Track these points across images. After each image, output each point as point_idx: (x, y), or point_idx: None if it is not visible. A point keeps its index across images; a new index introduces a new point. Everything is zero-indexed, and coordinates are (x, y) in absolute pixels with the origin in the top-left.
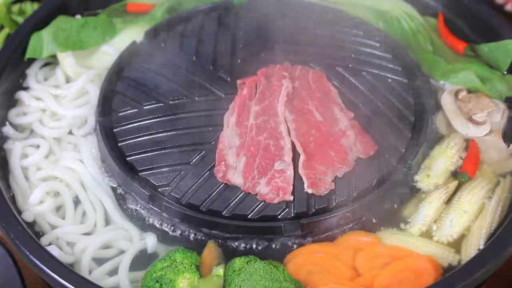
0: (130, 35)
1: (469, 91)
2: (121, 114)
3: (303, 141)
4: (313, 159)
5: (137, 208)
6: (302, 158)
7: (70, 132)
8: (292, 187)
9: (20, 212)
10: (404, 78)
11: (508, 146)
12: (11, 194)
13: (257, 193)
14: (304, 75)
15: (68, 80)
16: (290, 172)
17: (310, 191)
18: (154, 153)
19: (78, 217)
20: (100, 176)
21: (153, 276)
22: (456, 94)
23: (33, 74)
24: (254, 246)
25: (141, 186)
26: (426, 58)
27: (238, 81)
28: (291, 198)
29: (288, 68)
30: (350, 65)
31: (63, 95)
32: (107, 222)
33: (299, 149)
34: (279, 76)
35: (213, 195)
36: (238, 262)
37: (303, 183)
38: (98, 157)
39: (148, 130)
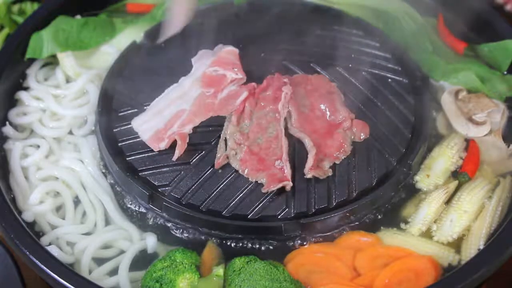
0: (130, 35)
1: (469, 91)
2: (121, 114)
3: (305, 136)
4: (315, 151)
5: (137, 208)
6: (310, 155)
7: (70, 132)
8: (291, 178)
9: (20, 212)
10: (404, 78)
11: (508, 146)
12: (11, 194)
13: (257, 181)
14: (305, 80)
15: (68, 80)
16: (288, 170)
17: (309, 175)
18: (154, 153)
19: (78, 217)
20: (100, 176)
21: (153, 276)
22: (456, 94)
23: (33, 74)
24: (254, 246)
25: (141, 186)
26: (426, 58)
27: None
28: (291, 184)
29: (288, 77)
30: (350, 65)
31: (63, 95)
32: (107, 222)
33: (304, 139)
34: (280, 82)
35: (213, 195)
36: (238, 262)
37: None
38: (98, 157)
39: None
